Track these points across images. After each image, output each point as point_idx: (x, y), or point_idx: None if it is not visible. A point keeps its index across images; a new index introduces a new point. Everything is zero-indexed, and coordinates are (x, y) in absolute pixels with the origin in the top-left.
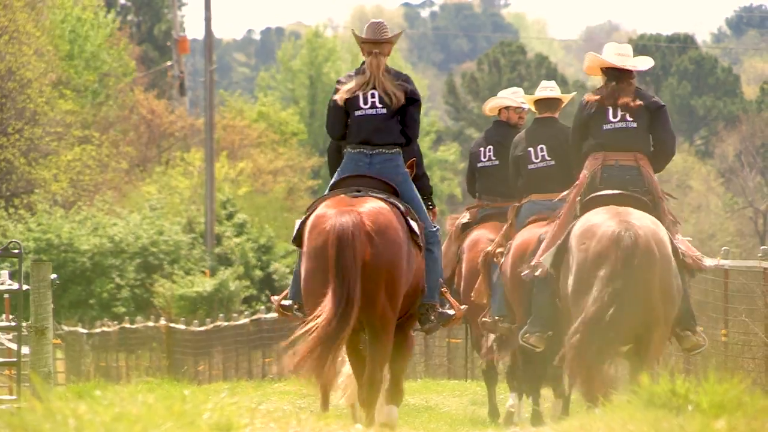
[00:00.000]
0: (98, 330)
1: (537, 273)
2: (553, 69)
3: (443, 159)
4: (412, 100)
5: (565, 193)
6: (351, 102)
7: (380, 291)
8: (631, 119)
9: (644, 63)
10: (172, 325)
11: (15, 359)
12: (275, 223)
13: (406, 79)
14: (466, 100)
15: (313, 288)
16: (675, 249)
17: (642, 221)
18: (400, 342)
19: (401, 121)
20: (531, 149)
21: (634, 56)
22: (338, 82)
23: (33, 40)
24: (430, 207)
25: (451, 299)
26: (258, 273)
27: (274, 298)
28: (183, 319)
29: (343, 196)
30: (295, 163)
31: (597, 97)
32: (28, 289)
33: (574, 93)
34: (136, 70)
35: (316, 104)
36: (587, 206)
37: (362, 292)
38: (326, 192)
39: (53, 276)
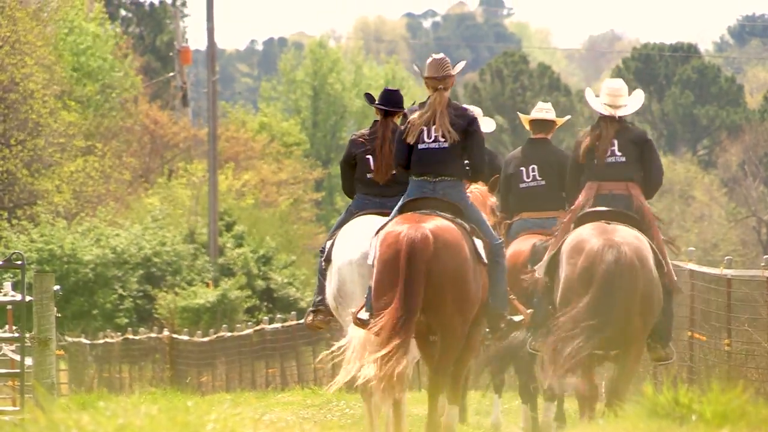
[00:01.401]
0: (101, 341)
1: (529, 283)
2: (556, 79)
3: None
4: (470, 133)
5: (558, 215)
6: (415, 134)
7: (447, 300)
8: (620, 154)
9: (634, 104)
10: (175, 336)
11: (18, 370)
12: (277, 234)
13: (463, 114)
14: None
15: (381, 297)
16: (659, 263)
17: (626, 237)
18: (463, 347)
19: (465, 155)
20: (523, 168)
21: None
22: (404, 115)
23: (35, 51)
24: None
25: (519, 305)
26: (260, 283)
27: (351, 310)
28: (186, 330)
29: (411, 213)
30: (299, 176)
31: (588, 140)
32: (31, 300)
33: (568, 117)
34: (140, 82)
35: (319, 115)
36: (580, 221)
37: (430, 302)
38: (394, 213)
39: (56, 287)
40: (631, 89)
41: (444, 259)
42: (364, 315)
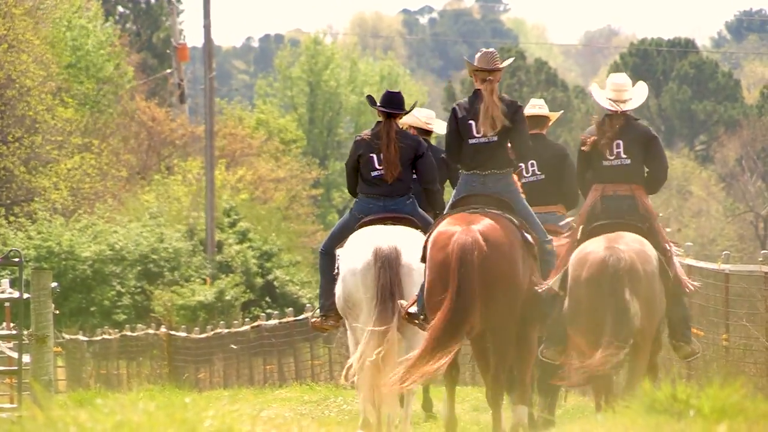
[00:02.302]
0: (99, 338)
1: (543, 291)
2: (552, 74)
3: None
4: (515, 122)
5: (558, 209)
6: (465, 129)
7: (498, 301)
8: (626, 156)
9: (638, 98)
10: (173, 332)
11: (16, 368)
12: (280, 232)
13: (510, 104)
14: None
15: (434, 298)
16: (662, 266)
17: (629, 244)
18: (522, 345)
19: (511, 145)
20: (522, 164)
21: (633, 75)
22: (454, 109)
23: (32, 48)
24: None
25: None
26: (259, 280)
27: (402, 302)
28: (183, 326)
29: (461, 213)
30: (297, 174)
31: (593, 138)
32: (28, 297)
33: (561, 111)
34: (136, 78)
35: (316, 111)
36: (588, 235)
37: (482, 304)
38: (446, 211)
39: (54, 284)
40: (633, 83)
41: (494, 261)
42: (413, 309)
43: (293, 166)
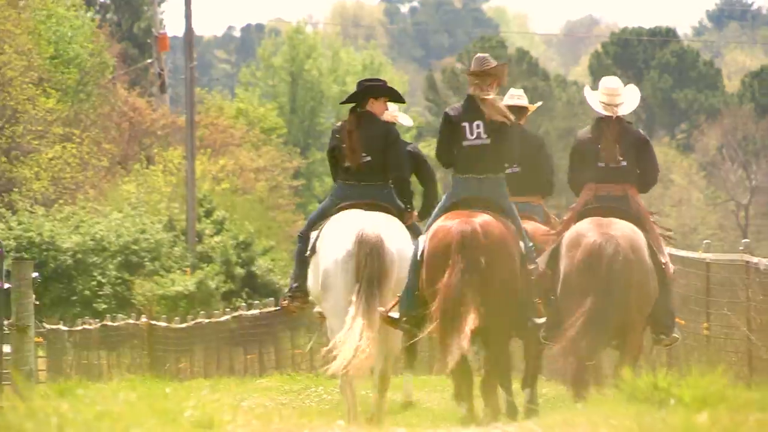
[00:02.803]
0: (80, 328)
1: (536, 277)
2: (534, 63)
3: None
4: (506, 127)
5: (533, 200)
6: (458, 132)
7: (498, 294)
8: (621, 159)
9: (631, 103)
10: (154, 322)
11: None
12: (256, 220)
13: (504, 108)
14: (446, 96)
15: (432, 285)
16: (653, 254)
17: (622, 230)
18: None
19: (504, 147)
20: None
21: (624, 84)
22: (446, 113)
23: (14, 39)
24: (408, 209)
25: (541, 309)
26: (239, 270)
27: (381, 309)
28: (164, 316)
29: (458, 211)
30: (278, 164)
31: (589, 136)
32: (9, 287)
33: (540, 103)
34: (117, 69)
35: (297, 100)
36: (581, 217)
37: (483, 293)
38: (436, 212)
39: (34, 274)
40: (609, 74)
41: (492, 252)
42: (394, 314)
43: (274, 156)
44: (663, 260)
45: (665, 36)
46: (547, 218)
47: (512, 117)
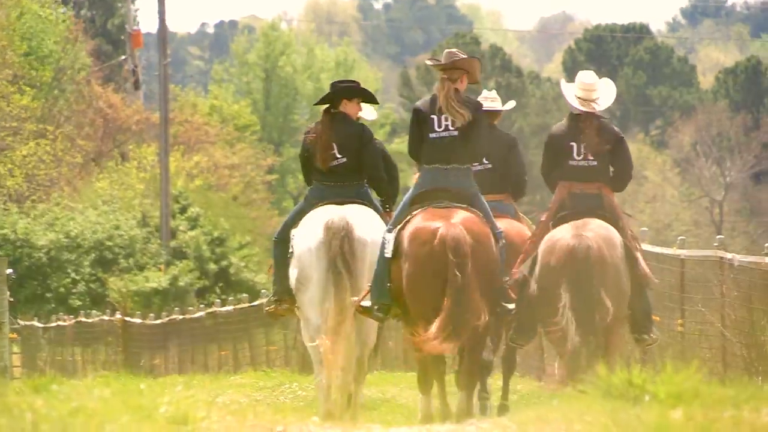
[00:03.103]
0: (54, 324)
1: (511, 281)
2: (507, 60)
3: (398, 151)
4: (477, 121)
5: (503, 198)
6: (425, 123)
7: (483, 290)
8: (593, 158)
9: (607, 97)
10: (128, 319)
11: None
12: (230, 217)
13: (469, 101)
14: (420, 92)
15: (420, 292)
16: (629, 252)
17: (597, 230)
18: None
19: (471, 140)
20: None
21: (600, 77)
22: (415, 108)
23: None
24: (387, 209)
25: (511, 294)
26: (212, 266)
27: (354, 299)
28: (138, 313)
29: (432, 209)
30: (252, 161)
31: (564, 132)
32: None
33: (513, 103)
34: (91, 65)
35: (271, 97)
36: (557, 223)
37: (469, 295)
38: (404, 203)
39: (9, 271)
40: (583, 70)
41: (481, 252)
42: (366, 303)
43: (248, 153)
44: (639, 261)
45: (639, 32)
46: (518, 217)
47: (468, 115)
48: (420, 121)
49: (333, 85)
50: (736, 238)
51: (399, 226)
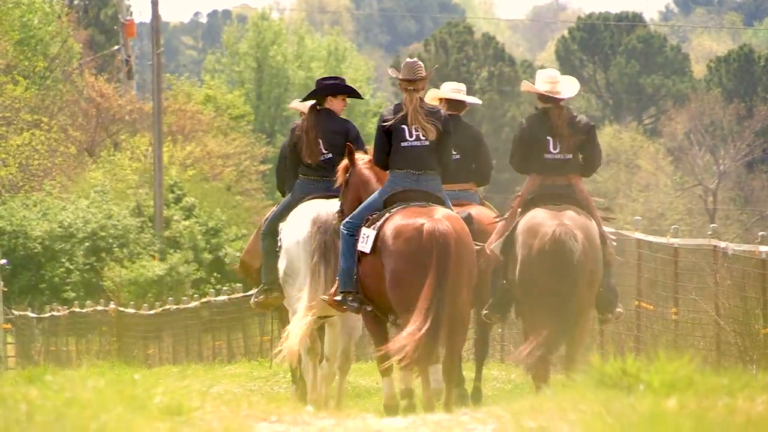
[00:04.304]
0: (48, 314)
1: (486, 263)
2: (500, 49)
3: None
4: (445, 133)
5: (469, 187)
6: (396, 133)
7: (463, 284)
8: (567, 152)
9: (570, 89)
10: (122, 309)
11: None
12: (225, 207)
13: (436, 114)
14: None
15: (406, 288)
16: (603, 239)
17: (576, 220)
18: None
19: (438, 151)
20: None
21: (563, 74)
22: (382, 116)
23: None
24: None
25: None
26: (207, 256)
27: (323, 297)
28: (132, 303)
29: (411, 207)
30: (246, 150)
31: (536, 125)
32: None
33: (479, 102)
34: (83, 55)
35: (263, 87)
36: (529, 205)
37: (454, 290)
38: (373, 201)
39: (3, 261)
40: (576, 59)
41: (463, 248)
42: (338, 297)
43: (242, 142)
44: (607, 241)
45: (632, 21)
46: (483, 205)
47: (436, 128)
48: (389, 131)
49: (318, 82)
50: (730, 227)
51: (379, 223)
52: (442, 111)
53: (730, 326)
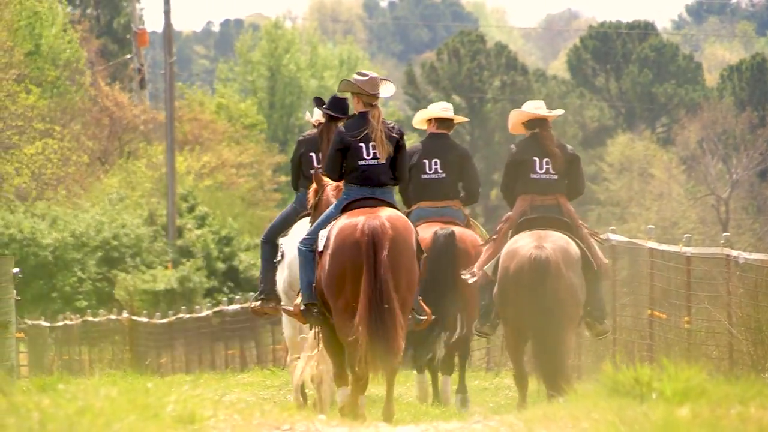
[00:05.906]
0: (61, 323)
1: (472, 280)
2: (513, 58)
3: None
4: (399, 147)
5: (453, 204)
6: (354, 151)
7: (404, 282)
8: (554, 172)
9: (555, 112)
10: (135, 318)
11: None
12: (239, 216)
13: (392, 129)
14: (426, 91)
15: (341, 283)
16: (585, 258)
17: (556, 242)
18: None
19: (393, 166)
20: (426, 161)
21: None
22: (339, 132)
23: None
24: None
25: (423, 305)
26: (220, 265)
27: (288, 308)
28: (145, 311)
29: (360, 209)
30: (260, 160)
31: (525, 149)
32: None
33: (466, 119)
34: (96, 64)
35: (276, 95)
36: (519, 228)
37: (395, 284)
38: (333, 213)
39: (15, 270)
40: (588, 68)
41: (401, 244)
42: (302, 307)
43: (256, 151)
44: (595, 259)
45: (644, 30)
46: (468, 222)
47: (392, 148)
48: (345, 147)
49: (317, 101)
50: (743, 236)
51: (332, 223)
52: (397, 126)
53: (742, 335)
